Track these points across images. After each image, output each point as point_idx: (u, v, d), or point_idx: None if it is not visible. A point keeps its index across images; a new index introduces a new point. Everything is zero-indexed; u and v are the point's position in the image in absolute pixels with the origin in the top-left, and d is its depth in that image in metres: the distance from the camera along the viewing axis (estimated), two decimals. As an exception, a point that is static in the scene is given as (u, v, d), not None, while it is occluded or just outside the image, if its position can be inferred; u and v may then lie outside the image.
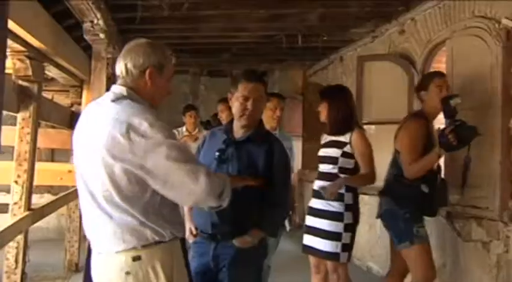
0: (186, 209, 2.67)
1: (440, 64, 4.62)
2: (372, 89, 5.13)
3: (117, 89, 1.90)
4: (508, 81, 3.48)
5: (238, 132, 2.59)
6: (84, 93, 5.54)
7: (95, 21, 4.12)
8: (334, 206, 3.32)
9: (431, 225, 3.87)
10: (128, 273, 1.80)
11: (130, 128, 1.74)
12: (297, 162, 5.69)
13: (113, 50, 4.70)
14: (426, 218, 3.35)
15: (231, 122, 2.64)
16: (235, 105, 2.52)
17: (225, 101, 5.71)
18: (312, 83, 8.27)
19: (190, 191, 1.78)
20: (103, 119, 1.80)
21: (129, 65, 1.89)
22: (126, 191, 1.77)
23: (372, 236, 5.22)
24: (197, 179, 1.76)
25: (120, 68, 1.91)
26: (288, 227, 4.01)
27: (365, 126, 4.11)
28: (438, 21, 4.39)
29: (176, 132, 5.93)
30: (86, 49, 5.24)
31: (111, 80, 5.19)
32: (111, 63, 4.85)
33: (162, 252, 1.84)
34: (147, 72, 1.88)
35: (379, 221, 3.48)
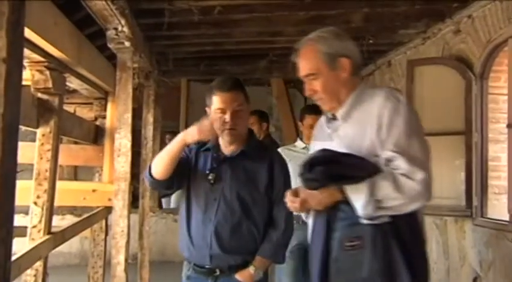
0: None
1: (501, 67, 4.48)
2: (424, 96, 5.01)
3: None
4: None
5: (227, 148, 2.58)
6: (109, 106, 5.59)
7: (119, 29, 4.14)
8: None
9: (495, 250, 3.72)
10: None
11: None
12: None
13: (140, 59, 4.73)
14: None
15: (216, 138, 2.61)
16: (213, 121, 2.50)
17: (256, 113, 5.70)
18: (357, 91, 8.17)
19: None
20: None
21: None
22: None
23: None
24: None
25: None
26: None
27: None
28: (499, 17, 4.26)
29: None
30: (110, 58, 5.30)
31: (138, 90, 5.26)
32: (138, 73, 4.89)
33: None
34: None
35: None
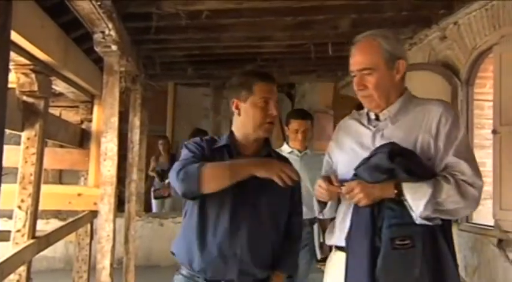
0: None
1: (487, 73, 4.52)
2: (410, 101, 5.04)
3: None
4: None
5: (249, 149, 2.35)
6: (95, 109, 5.56)
7: (107, 32, 4.13)
8: None
9: (479, 254, 3.75)
10: None
11: None
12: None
13: (126, 63, 4.72)
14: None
15: (228, 137, 2.36)
16: (252, 113, 2.28)
17: None
18: (344, 96, 8.20)
19: None
20: None
21: None
22: None
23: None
24: None
25: None
26: (319, 255, 3.93)
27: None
28: (485, 25, 4.31)
29: None
30: (97, 61, 5.28)
31: (125, 94, 5.24)
32: (125, 76, 4.88)
33: None
34: None
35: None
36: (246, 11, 4.72)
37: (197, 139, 2.38)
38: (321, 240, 4.14)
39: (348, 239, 2.11)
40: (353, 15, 4.95)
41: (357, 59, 2.17)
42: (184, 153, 2.31)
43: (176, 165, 2.23)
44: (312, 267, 4.15)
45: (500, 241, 4.02)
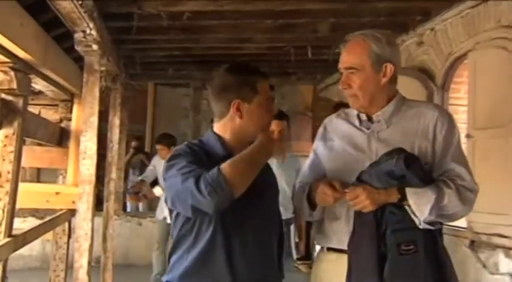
0: None
1: (461, 78, 4.58)
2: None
3: None
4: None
5: (239, 152, 1.96)
6: (75, 108, 5.50)
7: (88, 31, 4.09)
8: None
9: (453, 255, 3.78)
10: None
11: None
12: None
13: (107, 62, 4.68)
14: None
15: (220, 144, 2.03)
16: (258, 114, 2.02)
17: None
18: (323, 98, 8.25)
19: None
20: None
21: None
22: None
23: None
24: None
25: None
26: (295, 255, 3.95)
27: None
28: (460, 31, 4.36)
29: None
30: (77, 60, 5.23)
31: (105, 93, 5.20)
32: (105, 76, 4.84)
33: None
34: None
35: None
36: (227, 13, 4.72)
37: (185, 147, 2.00)
38: (296, 240, 4.16)
39: (351, 243, 2.05)
40: (332, 19, 4.97)
41: (344, 57, 2.16)
42: (179, 165, 1.89)
43: (184, 183, 1.83)
44: (288, 267, 4.17)
45: (472, 242, 4.07)
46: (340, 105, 3.93)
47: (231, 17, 4.83)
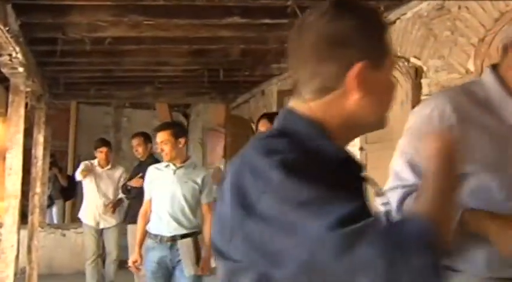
0: None
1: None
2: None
3: None
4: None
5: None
6: (0, 126, 5.36)
7: (14, 55, 4.03)
8: None
9: None
10: None
11: None
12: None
13: (32, 83, 4.60)
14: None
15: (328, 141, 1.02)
16: (387, 87, 1.05)
17: (141, 135, 5.74)
18: (235, 116, 8.42)
19: None
20: None
21: None
22: None
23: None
24: None
25: None
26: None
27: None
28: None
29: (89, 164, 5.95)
30: (2, 81, 5.10)
31: (30, 112, 5.08)
32: (30, 96, 4.74)
33: None
34: None
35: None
36: (146, 38, 4.77)
37: (293, 155, 0.97)
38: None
39: None
40: (242, 45, 5.14)
41: None
42: (310, 196, 0.91)
43: (350, 251, 0.84)
44: None
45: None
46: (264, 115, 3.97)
47: (150, 42, 4.88)
